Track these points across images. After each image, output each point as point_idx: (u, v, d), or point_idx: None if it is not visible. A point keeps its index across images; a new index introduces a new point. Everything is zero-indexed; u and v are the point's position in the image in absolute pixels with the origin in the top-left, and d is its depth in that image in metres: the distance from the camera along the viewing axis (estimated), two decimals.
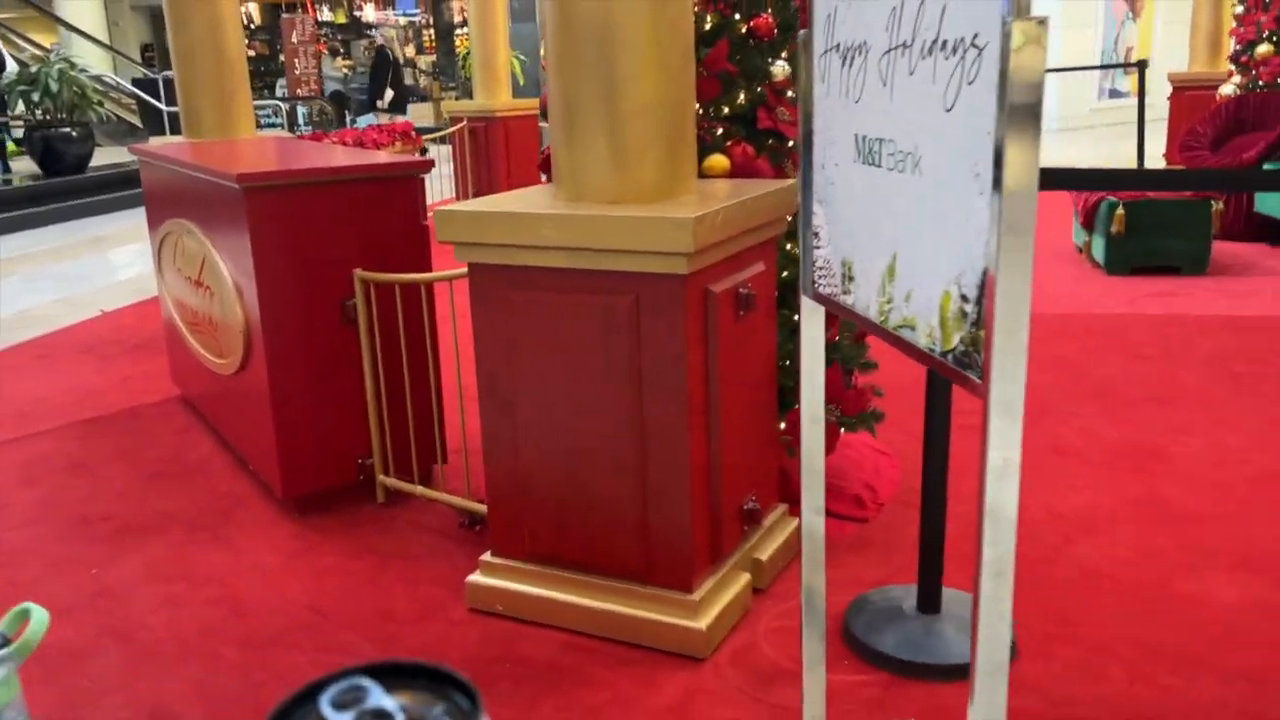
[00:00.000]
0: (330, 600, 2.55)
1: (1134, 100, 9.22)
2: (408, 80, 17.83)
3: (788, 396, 2.82)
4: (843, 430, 3.00)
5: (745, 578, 2.42)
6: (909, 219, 1.33)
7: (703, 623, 2.23)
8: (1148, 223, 5.50)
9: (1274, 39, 7.44)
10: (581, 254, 2.16)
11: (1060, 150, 12.14)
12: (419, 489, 2.97)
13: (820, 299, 1.67)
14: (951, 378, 1.28)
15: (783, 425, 2.80)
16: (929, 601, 2.31)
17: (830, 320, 2.62)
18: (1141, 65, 8.99)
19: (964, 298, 1.22)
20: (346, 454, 3.05)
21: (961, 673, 2.10)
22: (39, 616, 0.76)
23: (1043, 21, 1.06)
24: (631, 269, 2.12)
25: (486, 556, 2.48)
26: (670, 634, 2.24)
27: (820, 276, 1.65)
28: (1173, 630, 2.27)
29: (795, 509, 2.75)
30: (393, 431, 3.06)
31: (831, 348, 2.93)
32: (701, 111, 2.71)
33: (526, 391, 2.31)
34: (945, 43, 1.20)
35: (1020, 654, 2.19)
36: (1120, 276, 5.57)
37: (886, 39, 1.34)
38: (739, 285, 2.30)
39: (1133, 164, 7.21)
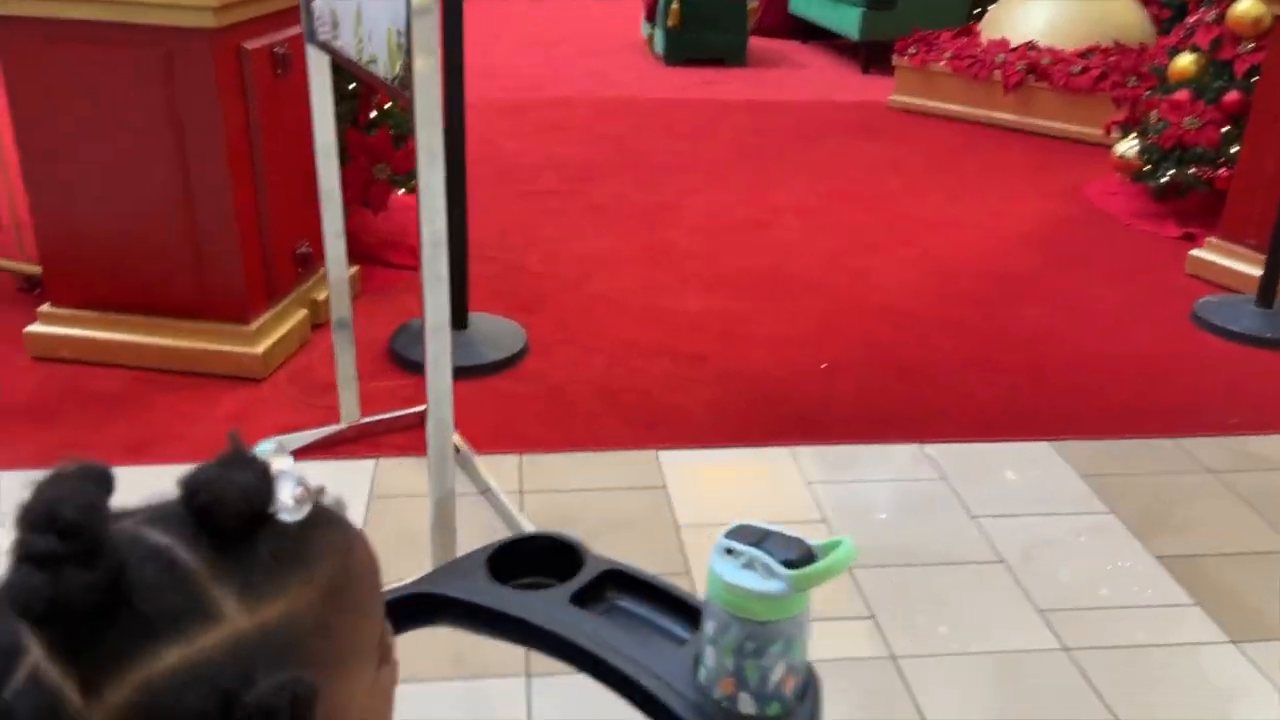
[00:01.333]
0: None
1: None
2: None
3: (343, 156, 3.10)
4: (400, 190, 3.34)
5: (302, 313, 2.75)
6: None
7: (259, 348, 2.55)
8: (698, 17, 6.17)
9: None
10: (112, 5, 2.26)
11: None
12: None
13: (321, 45, 1.96)
14: (399, 99, 1.65)
15: None
16: (458, 320, 2.79)
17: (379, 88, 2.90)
18: None
19: (399, 32, 1.57)
20: None
21: (476, 371, 2.62)
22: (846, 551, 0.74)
23: None
24: (162, 22, 2.27)
25: (45, 307, 2.60)
26: (230, 360, 2.54)
27: (319, 25, 1.93)
28: (648, 331, 2.93)
29: (356, 258, 3.10)
30: None
31: (384, 113, 3.22)
32: None
33: (71, 147, 2.42)
34: None
35: (529, 354, 2.75)
36: (677, 66, 6.24)
37: None
38: (274, 45, 2.51)
39: None
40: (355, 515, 2.08)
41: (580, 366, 2.72)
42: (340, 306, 2.25)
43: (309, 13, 1.95)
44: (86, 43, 2.31)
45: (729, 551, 0.76)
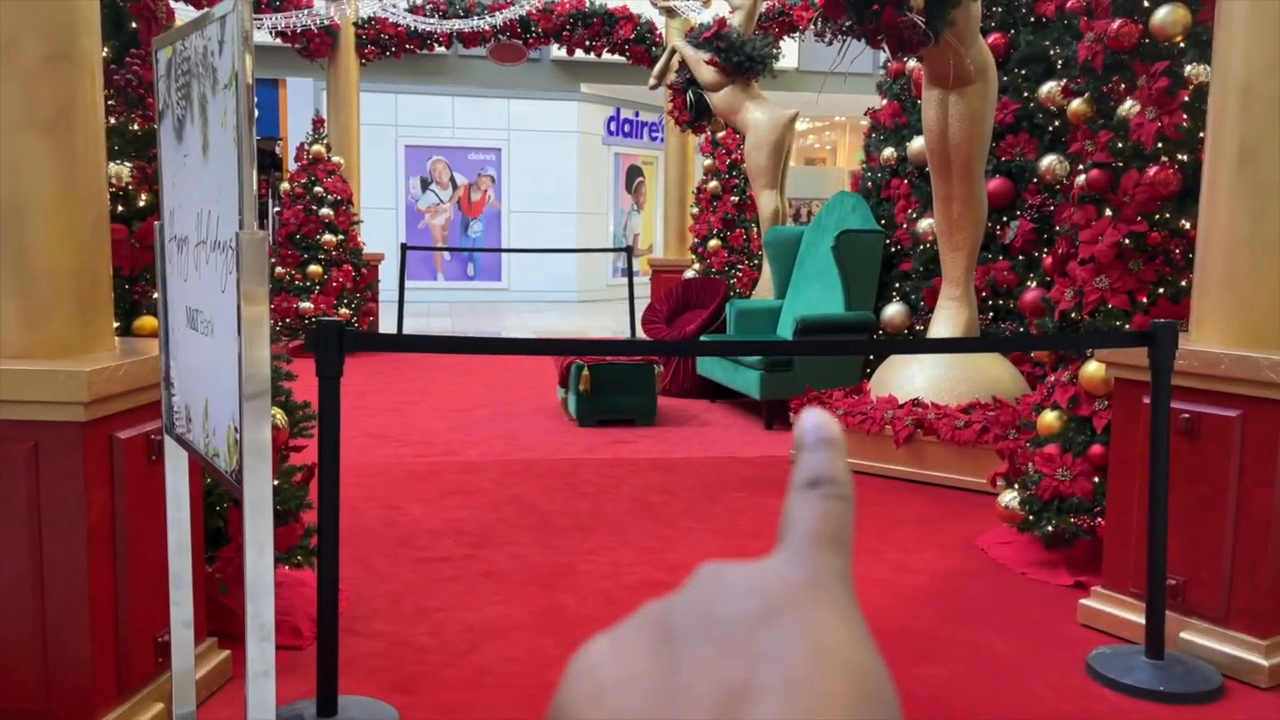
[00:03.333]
0: None
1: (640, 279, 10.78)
2: None
3: (221, 536, 3.07)
4: (284, 565, 3.29)
5: (158, 707, 2.59)
6: (211, 372, 1.73)
7: None
8: (607, 382, 6.49)
9: (721, 235, 9.19)
10: None
11: (581, 319, 13.64)
12: None
13: (178, 439, 2.00)
14: (234, 492, 1.67)
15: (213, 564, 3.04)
16: (327, 706, 2.64)
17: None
18: (628, 250, 10.53)
19: (236, 429, 1.62)
20: None
21: None
22: None
23: (261, 229, 1.52)
24: (34, 418, 2.31)
25: None
26: None
27: (176, 419, 1.99)
28: (531, 712, 2.79)
29: (228, 641, 2.98)
30: None
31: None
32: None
33: None
34: (219, 243, 1.64)
35: None
36: (589, 428, 6.46)
37: (196, 235, 1.76)
38: (151, 433, 2.55)
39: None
40: None
41: None
42: (184, 701, 2.12)
43: (169, 406, 2.01)
44: None
45: None
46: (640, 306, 9.14)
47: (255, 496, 1.54)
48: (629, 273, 9.62)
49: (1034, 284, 5.74)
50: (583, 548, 4.14)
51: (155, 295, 3.03)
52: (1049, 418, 4.00)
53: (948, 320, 5.48)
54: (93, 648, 2.37)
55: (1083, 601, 3.46)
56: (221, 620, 3.00)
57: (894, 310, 6.18)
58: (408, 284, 10.21)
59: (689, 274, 8.93)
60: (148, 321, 2.91)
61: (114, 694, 2.47)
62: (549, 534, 4.32)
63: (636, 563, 3.96)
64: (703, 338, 7.40)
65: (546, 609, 3.51)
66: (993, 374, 5.48)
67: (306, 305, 8.97)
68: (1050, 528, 3.84)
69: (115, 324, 2.69)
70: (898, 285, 6.51)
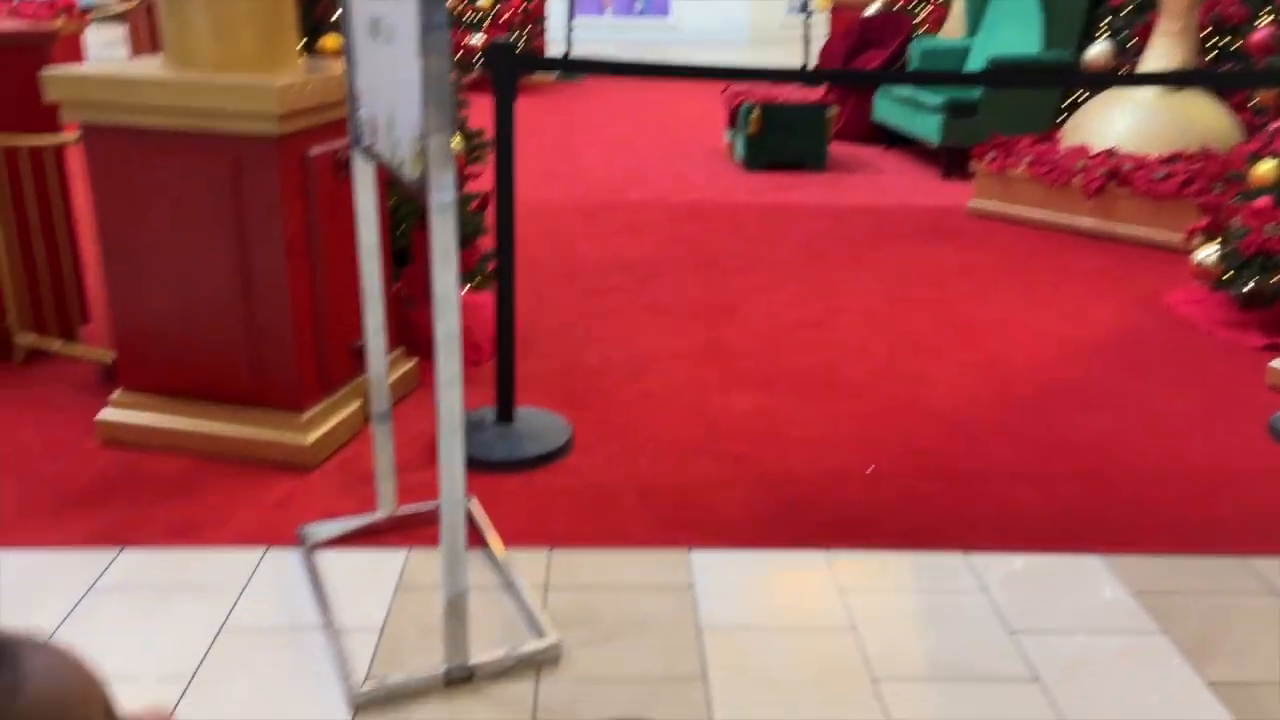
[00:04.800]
0: None
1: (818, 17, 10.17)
2: None
3: (404, 256, 3.23)
4: (464, 286, 3.45)
5: (356, 405, 2.84)
6: (394, 81, 1.75)
7: (309, 439, 2.63)
8: (778, 125, 6.28)
9: None
10: (185, 115, 2.44)
11: (754, 57, 13.07)
12: (56, 344, 3.15)
13: (365, 151, 2.07)
14: (419, 199, 1.72)
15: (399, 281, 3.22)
16: (506, 414, 2.84)
17: None
18: None
19: (419, 137, 1.65)
20: None
21: (518, 465, 2.65)
22: None
23: None
24: (231, 130, 2.43)
25: (116, 394, 2.75)
26: (280, 449, 2.63)
27: (364, 133, 2.05)
28: (692, 430, 2.92)
29: (414, 352, 3.20)
30: (29, 290, 3.20)
31: None
32: None
33: (144, 245, 2.58)
34: None
35: (572, 449, 2.77)
36: (757, 171, 6.34)
37: None
38: (337, 150, 2.65)
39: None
40: (380, 606, 2.11)
41: (621, 463, 2.72)
42: (379, 400, 2.31)
43: (355, 120, 2.07)
44: (163, 150, 2.48)
45: None
46: (816, 46, 8.66)
47: (440, 201, 1.60)
48: (805, 9, 9.08)
49: (1268, 20, 5.10)
50: (745, 287, 4.17)
51: (339, 11, 3.07)
52: (1265, 167, 3.66)
53: (1161, 58, 4.97)
54: (295, 348, 2.59)
55: (1273, 363, 3.28)
56: (407, 335, 3.21)
57: (1098, 50, 5.63)
58: (574, 20, 9.96)
59: (870, 10, 8.34)
60: (330, 40, 2.96)
61: (317, 390, 2.71)
62: (713, 273, 4.35)
63: (797, 304, 3.97)
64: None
65: (707, 342, 3.59)
66: (1204, 122, 5.01)
67: (477, 40, 8.91)
68: (1248, 286, 3.60)
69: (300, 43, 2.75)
70: (1107, 20, 5.89)
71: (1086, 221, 4.95)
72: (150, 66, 2.54)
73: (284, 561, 2.27)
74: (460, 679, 1.88)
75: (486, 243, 3.43)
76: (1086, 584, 2.25)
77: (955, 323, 3.82)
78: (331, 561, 2.25)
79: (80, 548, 2.29)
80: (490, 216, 2.97)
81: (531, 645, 1.96)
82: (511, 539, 2.34)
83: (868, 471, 2.71)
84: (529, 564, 2.27)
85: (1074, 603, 2.19)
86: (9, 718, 0.49)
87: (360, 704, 1.83)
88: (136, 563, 2.25)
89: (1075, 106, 5.69)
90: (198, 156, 2.47)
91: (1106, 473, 2.72)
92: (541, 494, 2.58)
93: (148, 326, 2.66)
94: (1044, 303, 4.04)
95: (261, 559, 2.28)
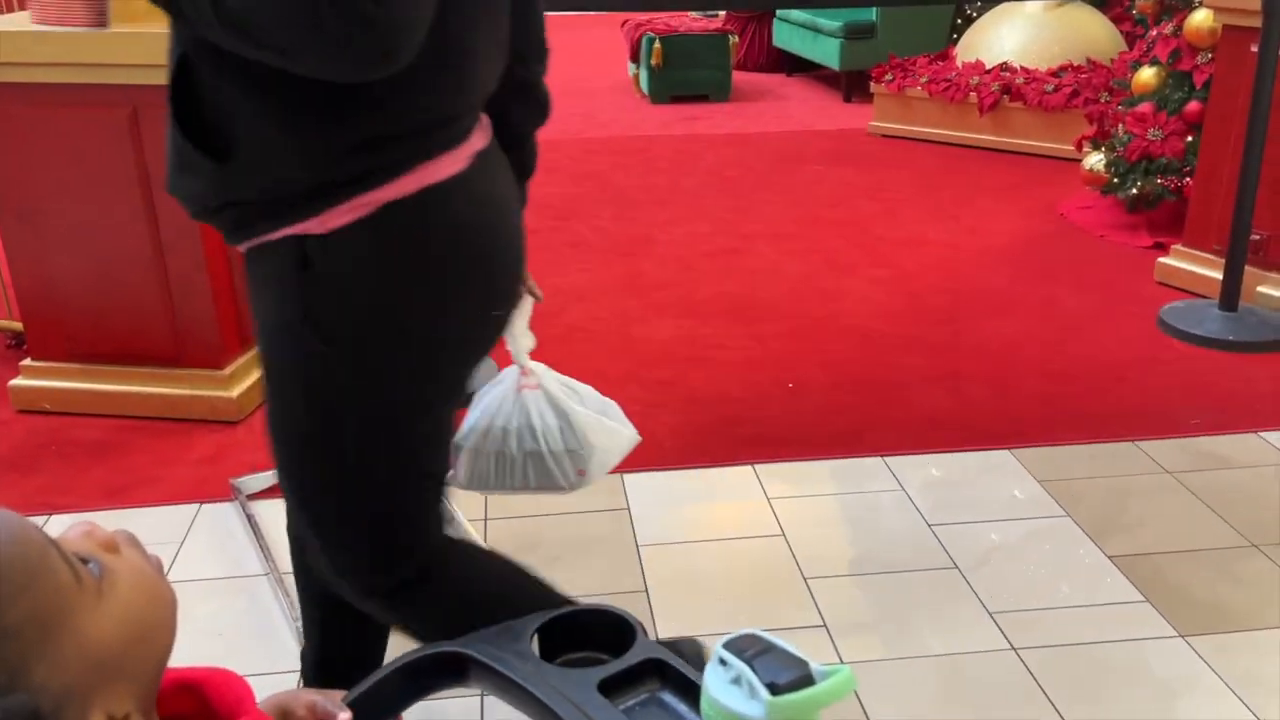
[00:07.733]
0: None
1: None
2: None
3: None
4: None
5: None
6: None
7: (234, 392, 2.62)
8: (680, 56, 6.29)
9: None
10: (77, 69, 2.37)
11: None
12: None
13: None
14: None
15: None
16: None
17: None
18: None
19: None
20: None
21: None
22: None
23: None
24: (128, 81, 2.37)
25: (27, 361, 2.69)
26: (205, 404, 2.62)
27: None
28: (619, 359, 2.99)
29: None
30: None
31: None
32: None
33: (45, 204, 2.51)
34: None
35: None
36: (662, 104, 6.35)
37: None
38: None
39: None
40: None
41: None
42: None
43: None
44: (58, 105, 2.41)
45: (723, 662, 0.71)
46: None
47: None
48: None
49: None
50: (660, 219, 4.22)
51: None
52: (1146, 74, 3.82)
53: None
54: (215, 300, 2.56)
55: (1160, 259, 3.47)
56: None
57: None
58: None
59: None
60: None
61: (237, 344, 2.69)
62: (627, 207, 4.39)
63: (712, 233, 4.04)
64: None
65: (627, 275, 3.64)
66: (1089, 32, 5.18)
67: None
68: (1135, 190, 3.78)
69: None
70: None
71: (984, 136, 5.10)
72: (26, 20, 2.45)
73: (219, 514, 2.28)
74: None
75: None
76: (997, 477, 2.39)
77: (865, 241, 3.93)
78: (266, 511, 2.27)
79: None
80: None
81: None
82: None
83: (789, 387, 2.81)
84: (466, 498, 2.31)
85: (986, 495, 2.33)
86: None
87: None
88: (68, 527, 2.23)
89: (969, 24, 5.81)
90: (94, 111, 2.40)
91: (1012, 373, 2.87)
92: None
93: (53, 292, 2.60)
94: (948, 217, 4.18)
95: (196, 514, 2.28)
